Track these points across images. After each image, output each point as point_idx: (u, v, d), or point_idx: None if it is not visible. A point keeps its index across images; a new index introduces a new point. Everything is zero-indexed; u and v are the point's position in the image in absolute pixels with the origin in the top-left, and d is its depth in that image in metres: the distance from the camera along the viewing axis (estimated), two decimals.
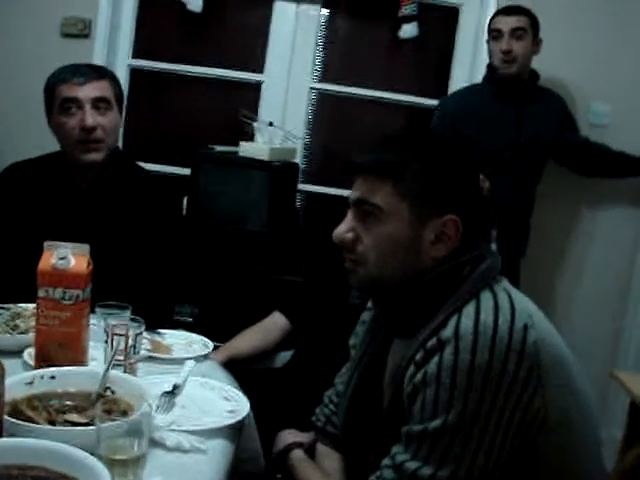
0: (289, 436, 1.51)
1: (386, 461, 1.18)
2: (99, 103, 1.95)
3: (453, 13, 3.24)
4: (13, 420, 1.09)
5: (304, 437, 1.51)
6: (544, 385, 1.13)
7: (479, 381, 1.09)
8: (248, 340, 2.23)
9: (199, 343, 1.76)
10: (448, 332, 1.13)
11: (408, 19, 3.06)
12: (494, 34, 2.82)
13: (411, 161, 1.22)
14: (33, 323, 1.63)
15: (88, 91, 1.93)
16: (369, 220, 1.24)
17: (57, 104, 1.94)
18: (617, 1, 3.08)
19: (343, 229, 1.27)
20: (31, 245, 1.88)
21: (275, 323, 2.28)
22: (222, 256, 2.91)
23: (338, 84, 3.30)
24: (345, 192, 1.55)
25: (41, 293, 1.37)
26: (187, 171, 3.07)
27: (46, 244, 1.41)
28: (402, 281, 1.24)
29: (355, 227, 1.26)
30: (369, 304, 1.50)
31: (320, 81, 3.32)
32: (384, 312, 1.34)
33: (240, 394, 1.47)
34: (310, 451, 1.49)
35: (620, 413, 1.98)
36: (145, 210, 2.04)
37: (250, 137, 3.06)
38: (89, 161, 1.97)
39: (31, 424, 1.11)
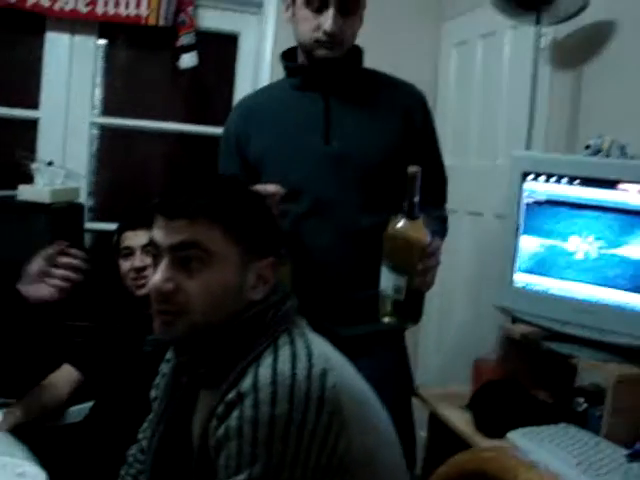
0: None
1: None
2: None
3: (232, 40, 3.25)
4: None
5: None
6: (347, 427, 1.13)
7: (281, 432, 1.08)
8: (36, 400, 2.10)
9: None
10: (247, 384, 1.12)
11: (186, 49, 3.01)
12: (315, 4, 1.77)
13: (238, 205, 1.21)
14: None
15: None
16: (192, 266, 1.17)
17: None
18: None
19: (160, 278, 1.18)
20: None
21: (64, 377, 2.19)
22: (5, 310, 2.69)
23: (121, 117, 3.19)
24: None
25: None
26: None
27: None
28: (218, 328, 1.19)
29: (174, 276, 1.18)
30: (168, 355, 1.44)
31: (102, 114, 3.18)
32: (186, 362, 1.27)
33: (35, 467, 1.37)
34: None
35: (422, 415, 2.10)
36: None
37: (30, 179, 2.87)
38: None
39: None
